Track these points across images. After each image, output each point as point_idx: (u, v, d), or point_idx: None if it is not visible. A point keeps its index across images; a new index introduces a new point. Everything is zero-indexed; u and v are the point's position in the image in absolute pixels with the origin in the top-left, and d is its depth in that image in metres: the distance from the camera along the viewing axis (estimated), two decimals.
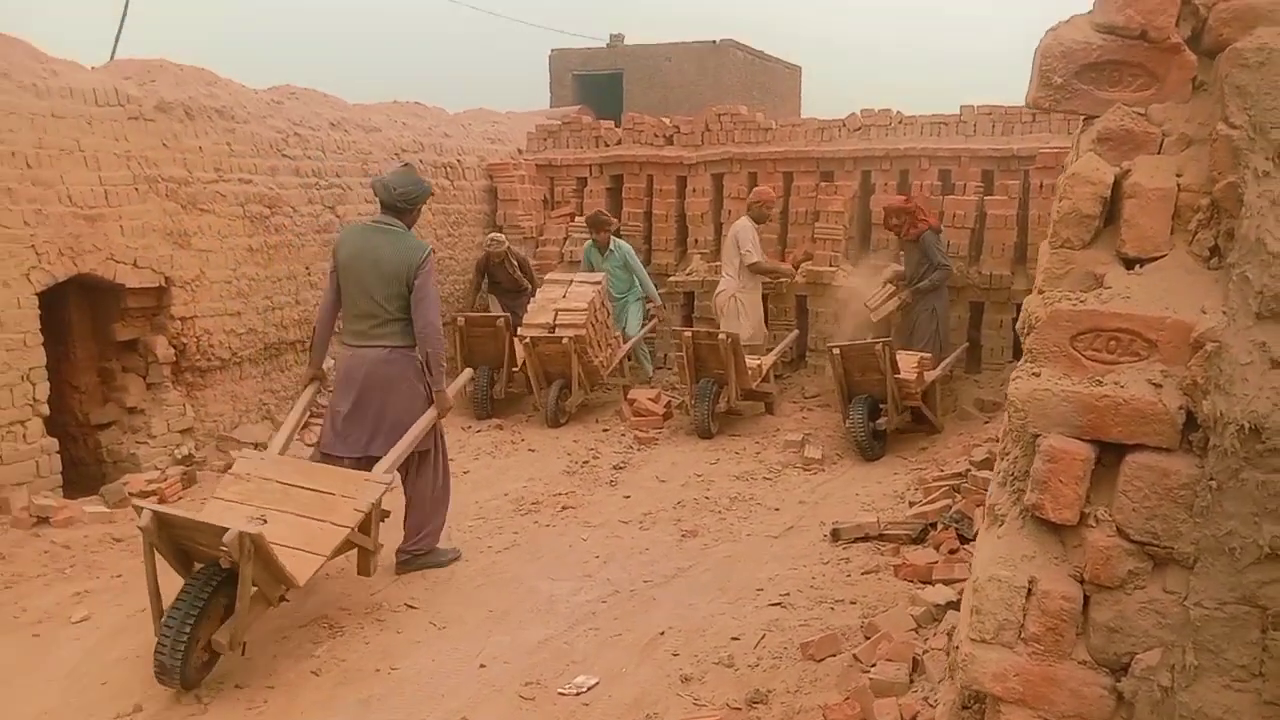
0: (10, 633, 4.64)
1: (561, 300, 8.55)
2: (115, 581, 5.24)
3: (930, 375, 7.75)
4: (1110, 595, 1.78)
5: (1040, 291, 1.94)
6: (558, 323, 8.36)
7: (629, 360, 9.41)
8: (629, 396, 8.78)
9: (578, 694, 4.04)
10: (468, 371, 6.55)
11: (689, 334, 8.01)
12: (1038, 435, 1.83)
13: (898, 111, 9.75)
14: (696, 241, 10.25)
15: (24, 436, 6.08)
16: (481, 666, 4.30)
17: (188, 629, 3.85)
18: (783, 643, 4.34)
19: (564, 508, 6.48)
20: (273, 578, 4.13)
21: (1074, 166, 1.88)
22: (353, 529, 4.53)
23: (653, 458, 7.54)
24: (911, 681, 3.69)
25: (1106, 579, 1.78)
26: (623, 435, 8.12)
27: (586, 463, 7.41)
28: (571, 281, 8.87)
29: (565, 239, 10.56)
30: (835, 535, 5.67)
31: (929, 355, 7.89)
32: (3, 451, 5.96)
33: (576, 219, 10.56)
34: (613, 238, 9.32)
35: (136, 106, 6.84)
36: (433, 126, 10.28)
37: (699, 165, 10.18)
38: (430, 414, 5.21)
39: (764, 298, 9.19)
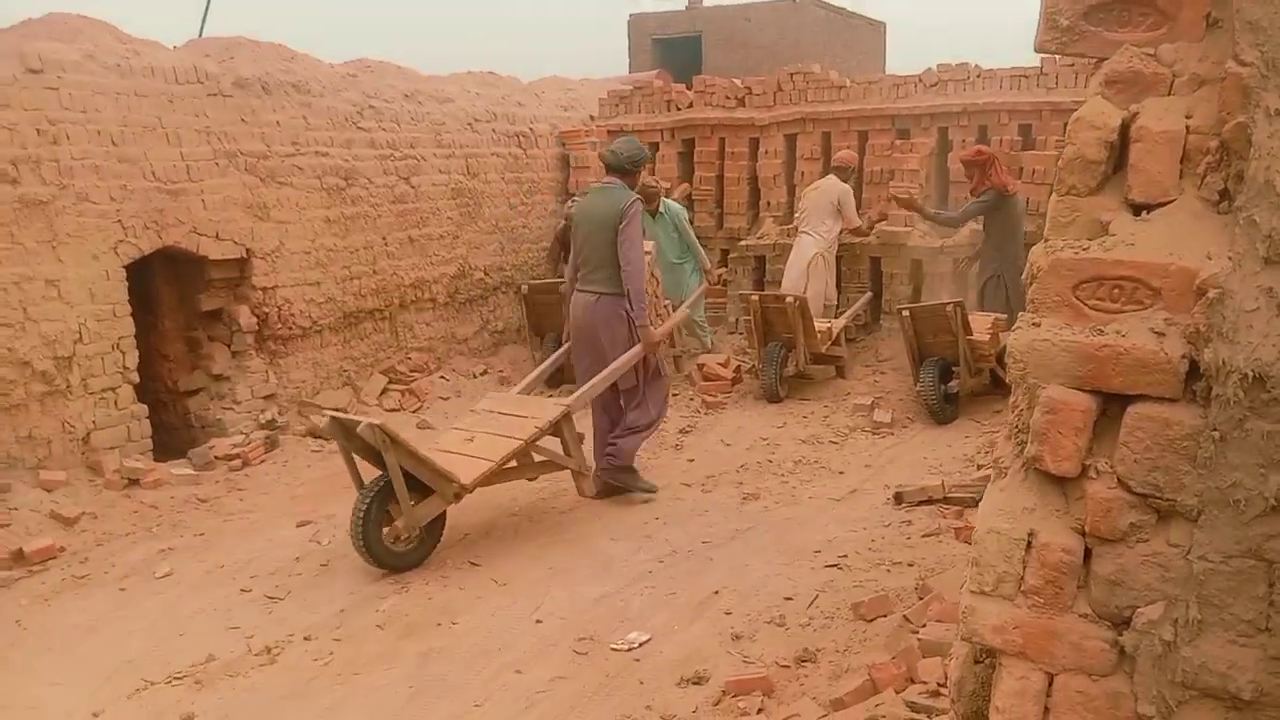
0: (100, 586, 4.93)
1: None
2: (198, 540, 5.51)
3: (1005, 337, 7.57)
4: (1112, 548, 1.75)
5: (1045, 240, 1.90)
6: None
7: (682, 331, 8.66)
8: (698, 361, 8.78)
9: (629, 649, 4.12)
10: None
11: (756, 297, 7.96)
12: (1038, 386, 1.80)
13: (976, 65, 9.46)
14: (769, 204, 10.15)
15: (115, 403, 6.41)
16: (538, 622, 4.42)
17: (363, 514, 4.77)
18: (836, 603, 4.35)
19: None
20: (439, 476, 4.90)
21: (1080, 111, 1.83)
22: (524, 441, 5.30)
23: (719, 422, 7.56)
24: None
25: (1108, 531, 1.74)
26: (690, 400, 8.14)
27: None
28: None
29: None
30: (898, 499, 5.62)
31: (1004, 316, 7.71)
32: (96, 417, 6.29)
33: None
34: (663, 200, 8.76)
35: (215, 83, 7.07)
36: (505, 95, 10.37)
37: (771, 126, 10.06)
38: (633, 351, 5.82)
39: (837, 259, 9.08)
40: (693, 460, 6.69)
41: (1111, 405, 1.78)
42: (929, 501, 5.51)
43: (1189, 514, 1.70)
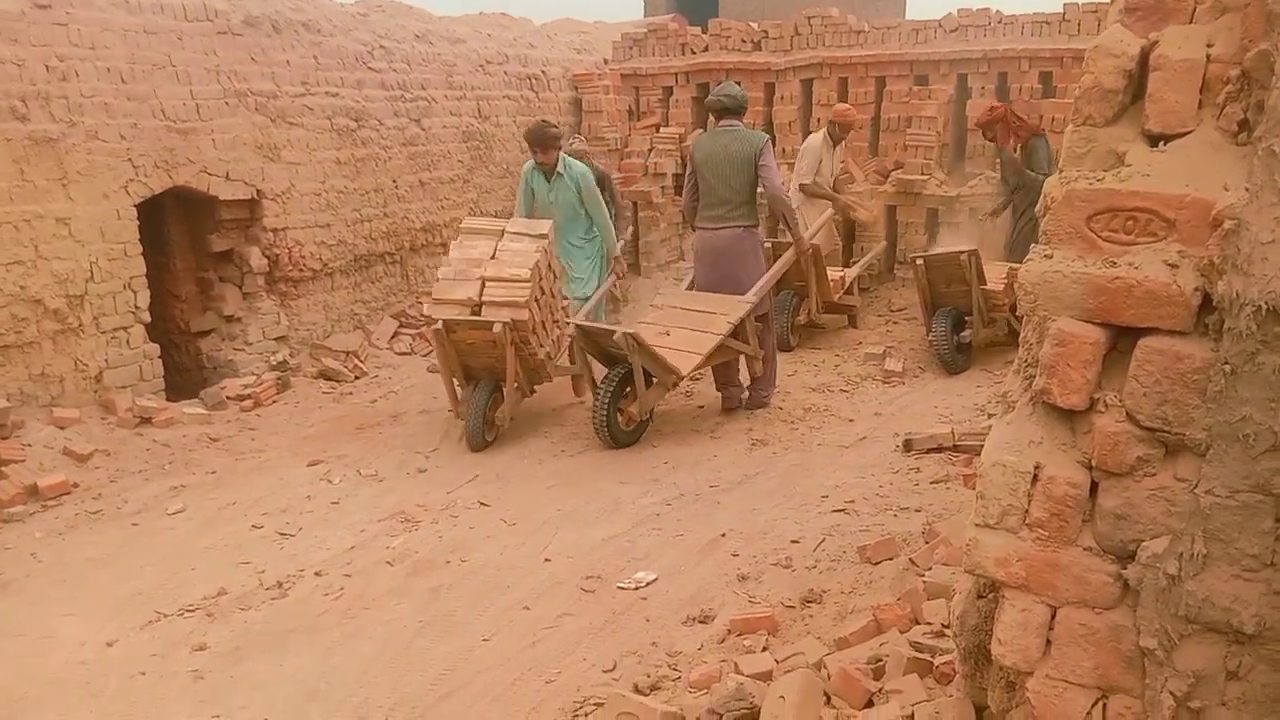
0: (113, 521, 4.99)
1: (490, 264, 6.00)
2: (209, 478, 5.56)
3: None
4: (1118, 482, 1.74)
5: (1060, 171, 1.87)
6: (485, 299, 5.86)
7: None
8: None
9: (636, 588, 4.15)
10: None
11: (769, 244, 7.89)
12: (1048, 319, 1.78)
13: (997, 11, 9.28)
14: (784, 151, 10.04)
15: (127, 342, 6.43)
16: (546, 561, 4.45)
17: (606, 404, 5.90)
18: (842, 547, 4.37)
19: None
20: (662, 368, 5.89)
21: (1098, 38, 1.79)
22: (724, 335, 6.07)
23: None
24: None
25: (1114, 465, 1.74)
26: None
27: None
28: (504, 233, 6.23)
29: (650, 150, 10.45)
30: (907, 445, 5.62)
31: (1020, 266, 7.60)
32: (108, 356, 6.32)
33: (661, 130, 10.44)
34: (565, 158, 6.78)
35: (225, 21, 7.00)
36: (518, 37, 10.23)
37: (787, 71, 9.92)
38: (786, 257, 6.97)
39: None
40: (702, 407, 6.69)
41: (1122, 339, 1.76)
42: (938, 449, 5.51)
43: (1197, 448, 1.69)
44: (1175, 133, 1.76)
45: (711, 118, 6.73)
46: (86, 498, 5.30)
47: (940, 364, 7.30)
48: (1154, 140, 1.79)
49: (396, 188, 8.46)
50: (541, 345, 6.15)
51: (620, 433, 5.99)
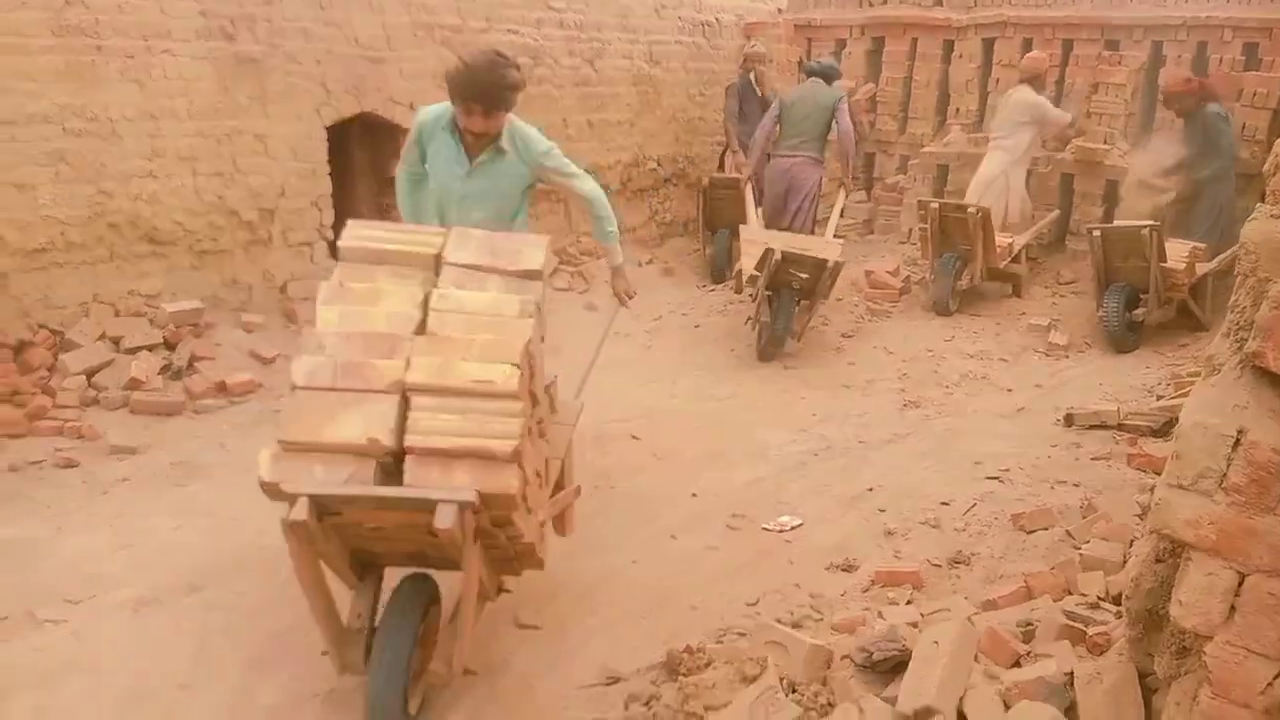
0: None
1: (419, 346, 2.90)
2: None
3: (1203, 268, 7.12)
4: None
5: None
6: (412, 442, 2.76)
7: None
8: (866, 268, 8.62)
9: (780, 531, 4.22)
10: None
11: (936, 205, 7.71)
12: (1268, 280, 1.73)
13: None
14: (957, 111, 9.72)
15: (311, 257, 6.83)
16: (693, 495, 4.56)
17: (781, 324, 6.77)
18: (994, 513, 4.31)
19: (787, 367, 6.58)
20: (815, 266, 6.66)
21: None
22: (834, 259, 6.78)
23: (883, 329, 7.46)
24: (1125, 562, 3.59)
25: None
26: (855, 306, 8.03)
27: (814, 328, 7.42)
28: (443, 263, 3.17)
29: None
30: (1069, 420, 5.46)
31: (1203, 246, 7.22)
32: (294, 269, 6.73)
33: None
34: (518, 125, 3.93)
35: None
36: None
37: (969, 29, 9.56)
38: (842, 198, 7.77)
39: (1028, 173, 8.65)
40: (853, 364, 6.65)
41: None
42: (1102, 426, 5.33)
43: None
44: None
45: (802, 75, 8.38)
46: (269, 397, 5.70)
47: (1108, 341, 7.02)
48: None
49: (566, 127, 8.61)
50: (532, 517, 3.12)
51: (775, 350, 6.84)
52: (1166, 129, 8.53)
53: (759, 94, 9.06)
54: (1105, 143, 8.69)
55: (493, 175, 3.92)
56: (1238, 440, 1.76)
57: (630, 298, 4.43)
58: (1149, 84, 8.92)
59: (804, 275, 6.69)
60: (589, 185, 4.20)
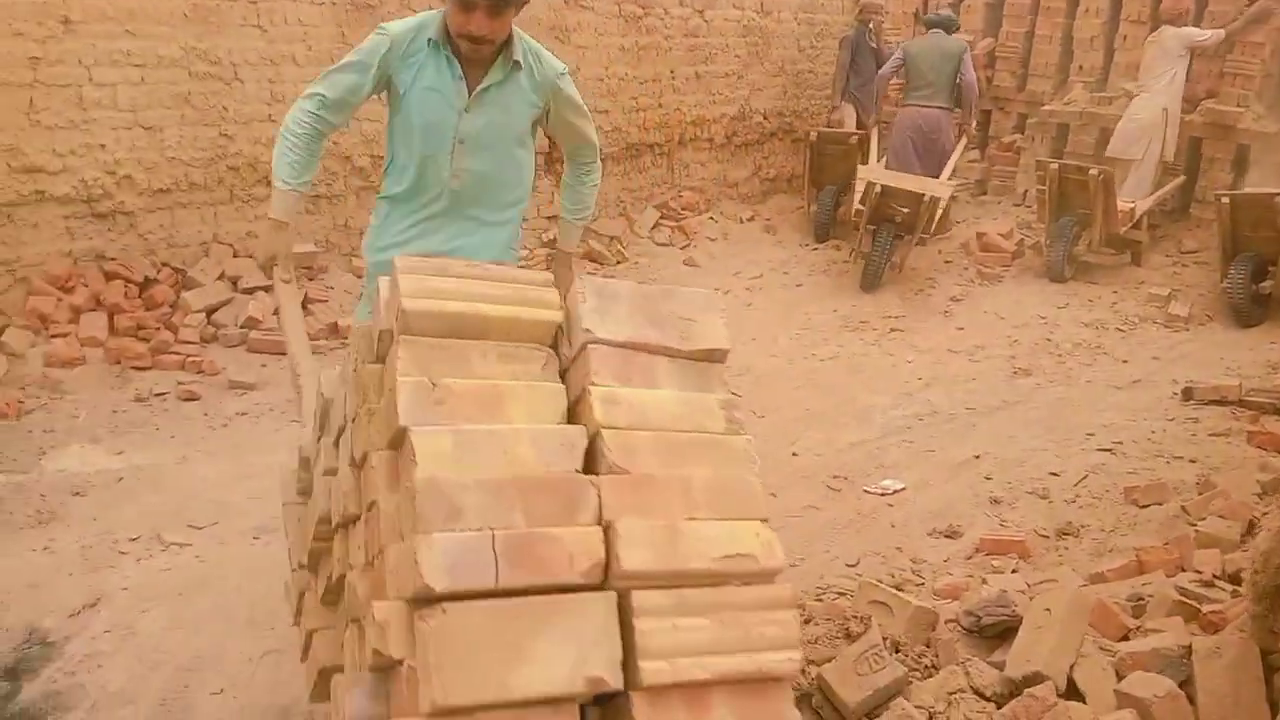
0: None
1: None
2: None
3: None
4: None
5: None
6: None
7: None
8: (978, 230, 8.38)
9: (883, 494, 4.18)
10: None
11: (1055, 166, 7.43)
12: None
13: None
14: (1081, 68, 9.30)
15: None
16: (794, 455, 4.55)
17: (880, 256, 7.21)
18: (1105, 486, 4.19)
19: (892, 330, 6.47)
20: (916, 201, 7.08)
21: None
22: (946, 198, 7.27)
23: (994, 294, 7.26)
24: (1242, 541, 3.46)
25: None
26: (965, 269, 7.83)
27: (921, 291, 7.27)
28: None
29: None
30: (1187, 394, 5.25)
31: None
32: None
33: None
34: (527, 40, 2.92)
35: None
36: None
37: None
38: (963, 142, 8.12)
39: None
40: (962, 329, 6.51)
41: None
42: (1221, 402, 5.11)
43: None
44: None
45: (920, 27, 8.83)
46: None
47: (1232, 314, 6.71)
48: None
49: (673, 79, 8.54)
50: None
51: (874, 282, 7.31)
52: None
53: (874, 46, 8.86)
54: (1239, 105, 8.23)
55: (502, 105, 2.81)
56: None
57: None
58: None
59: (904, 209, 7.12)
60: (595, 135, 3.12)
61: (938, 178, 7.57)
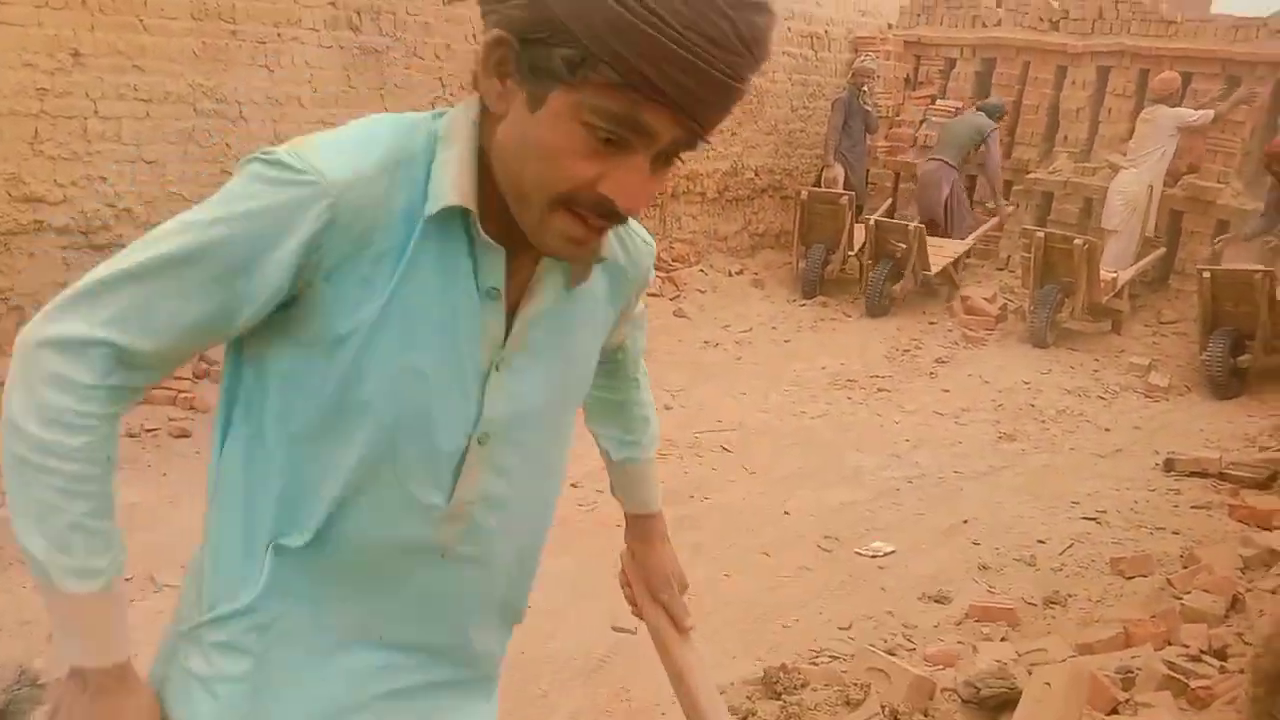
0: None
1: None
2: None
3: None
4: None
5: None
6: None
7: None
8: (963, 294, 8.53)
9: (874, 556, 4.22)
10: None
11: (1041, 234, 7.59)
12: None
13: None
14: (1066, 138, 9.54)
15: None
16: (785, 513, 4.59)
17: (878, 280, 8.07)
18: (1091, 555, 4.26)
19: (879, 390, 6.55)
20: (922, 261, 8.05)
21: None
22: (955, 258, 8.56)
23: (978, 358, 7.38)
24: (1227, 616, 3.53)
25: None
26: (949, 331, 7.95)
27: (908, 351, 7.38)
28: None
29: (922, 122, 10.19)
30: (1169, 465, 5.35)
31: None
32: None
33: (937, 102, 10.15)
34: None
35: None
36: None
37: (1084, 56, 9.37)
38: (994, 220, 9.18)
39: None
40: (948, 391, 6.60)
41: None
42: (1203, 474, 5.22)
43: None
44: None
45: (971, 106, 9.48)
46: None
47: (1210, 386, 6.85)
48: None
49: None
50: None
51: (881, 305, 8.22)
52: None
53: (865, 109, 9.08)
54: (1219, 181, 8.47)
55: (562, 340, 1.15)
56: None
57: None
58: (1270, 124, 8.68)
59: (902, 245, 8.00)
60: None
61: (952, 226, 8.76)
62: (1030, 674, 2.70)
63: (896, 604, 3.84)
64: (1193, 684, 2.95)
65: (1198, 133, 8.47)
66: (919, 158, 9.72)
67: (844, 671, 2.98)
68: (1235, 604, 3.58)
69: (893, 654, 3.46)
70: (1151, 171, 8.22)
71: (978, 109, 9.09)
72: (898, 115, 10.40)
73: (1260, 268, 6.73)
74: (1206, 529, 4.56)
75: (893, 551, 4.27)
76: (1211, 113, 8.24)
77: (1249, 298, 6.70)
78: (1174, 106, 8.25)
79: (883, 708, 2.65)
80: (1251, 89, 8.40)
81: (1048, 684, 2.48)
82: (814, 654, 3.43)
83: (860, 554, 4.24)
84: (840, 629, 3.64)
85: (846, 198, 8.62)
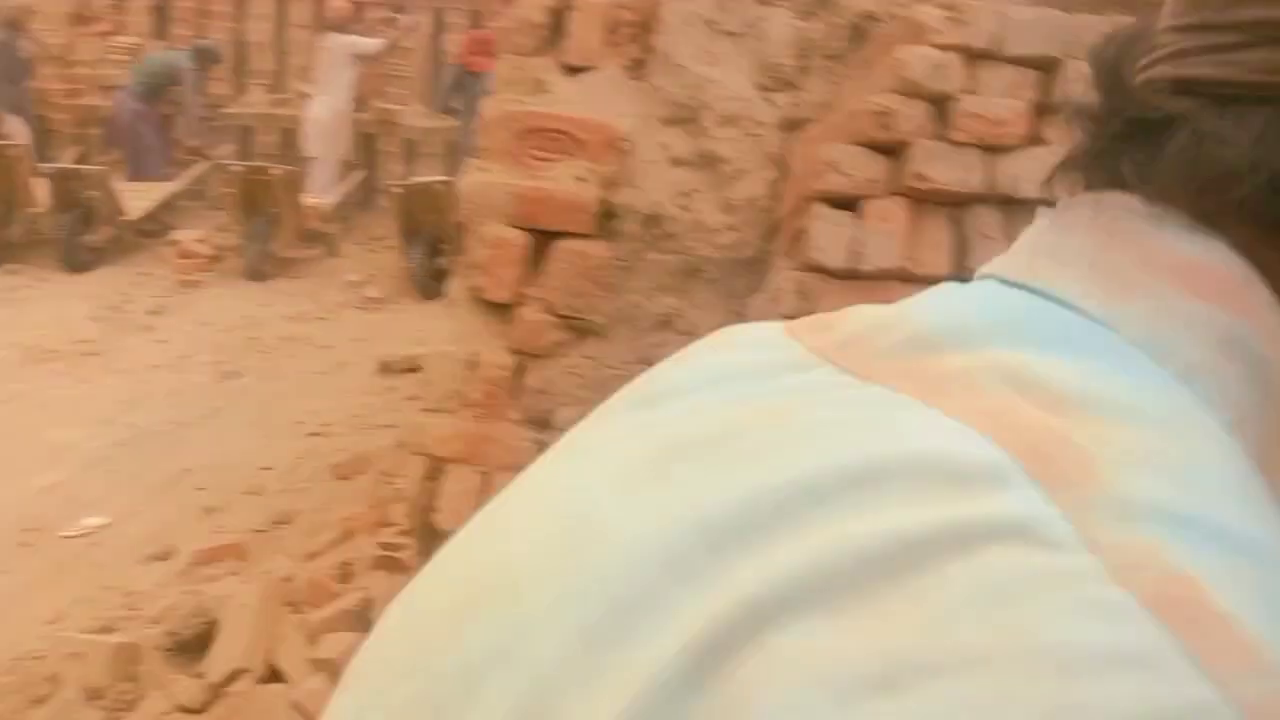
0: None
1: None
2: None
3: None
4: (539, 363, 2.02)
5: (494, 95, 2.08)
6: None
7: None
8: (173, 238, 8.07)
9: (85, 535, 3.85)
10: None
11: (240, 168, 7.50)
12: (481, 225, 1.99)
13: None
14: (256, 72, 9.49)
15: None
16: None
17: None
18: (315, 468, 4.39)
19: (86, 354, 5.95)
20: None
21: None
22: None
23: (196, 302, 7.06)
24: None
25: (536, 349, 2.01)
26: (163, 279, 7.47)
27: (117, 307, 6.79)
28: None
29: (99, 61, 9.24)
30: (384, 368, 5.75)
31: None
32: None
33: (114, 39, 9.29)
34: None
35: None
36: None
37: None
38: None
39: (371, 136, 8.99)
40: (165, 341, 6.22)
41: (542, 241, 2.02)
42: (413, 370, 5.68)
43: (600, 331, 2.02)
44: (587, 66, 2.04)
45: None
46: None
47: (417, 290, 7.49)
48: (571, 70, 2.06)
49: None
50: None
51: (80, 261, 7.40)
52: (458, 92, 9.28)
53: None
54: (401, 104, 9.19)
55: None
56: (474, 363, 2.01)
57: None
58: (433, 48, 9.62)
59: (94, 193, 7.45)
60: None
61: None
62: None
63: (114, 576, 3.53)
64: (400, 556, 3.21)
65: (374, 59, 9.00)
66: (105, 99, 8.89)
67: (37, 669, 2.64)
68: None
69: (112, 629, 3.17)
70: (338, 98, 8.57)
71: (197, 50, 8.72)
72: (70, 55, 9.30)
73: (441, 178, 7.48)
74: (419, 419, 5.00)
75: (108, 523, 3.91)
76: (383, 40, 8.82)
77: (435, 206, 7.43)
78: (347, 35, 8.65)
79: (84, 690, 2.41)
80: (415, 20, 9.20)
81: (243, 605, 2.48)
82: (15, 661, 2.99)
83: (68, 536, 3.81)
84: (47, 624, 3.22)
85: (18, 149, 7.55)
